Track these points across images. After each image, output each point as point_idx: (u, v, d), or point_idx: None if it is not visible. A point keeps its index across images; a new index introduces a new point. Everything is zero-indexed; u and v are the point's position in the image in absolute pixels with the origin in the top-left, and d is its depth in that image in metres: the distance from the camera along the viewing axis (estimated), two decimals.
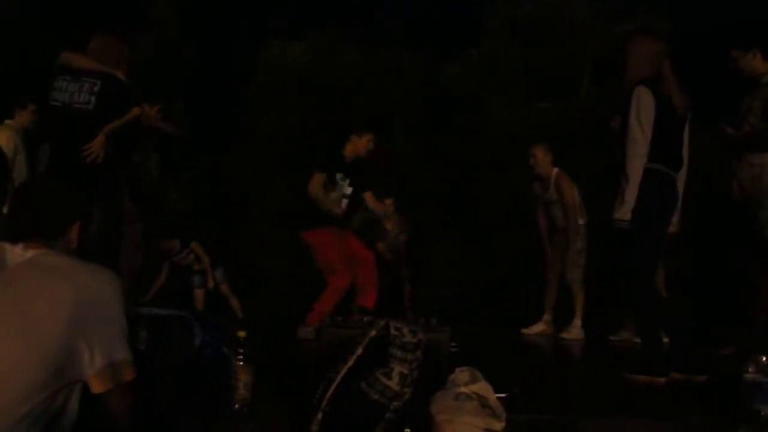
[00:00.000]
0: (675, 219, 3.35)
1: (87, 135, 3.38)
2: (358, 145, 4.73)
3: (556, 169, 5.32)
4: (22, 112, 4.90)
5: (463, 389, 2.05)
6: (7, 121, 4.96)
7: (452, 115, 14.46)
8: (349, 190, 4.75)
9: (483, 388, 2.08)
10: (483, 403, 2.03)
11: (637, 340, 4.48)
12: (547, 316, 5.50)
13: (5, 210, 2.43)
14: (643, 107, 3.08)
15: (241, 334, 2.33)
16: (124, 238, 3.83)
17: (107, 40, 3.59)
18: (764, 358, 2.28)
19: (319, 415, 2.05)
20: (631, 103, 3.11)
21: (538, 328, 5.48)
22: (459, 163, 14.01)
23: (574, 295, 5.32)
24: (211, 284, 6.90)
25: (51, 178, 3.10)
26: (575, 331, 5.25)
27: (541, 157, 5.33)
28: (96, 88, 3.40)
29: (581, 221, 5.32)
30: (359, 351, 2.13)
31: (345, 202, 4.74)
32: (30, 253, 1.62)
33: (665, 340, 3.26)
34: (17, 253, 1.62)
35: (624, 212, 3.09)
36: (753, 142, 3.97)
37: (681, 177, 3.30)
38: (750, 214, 4.00)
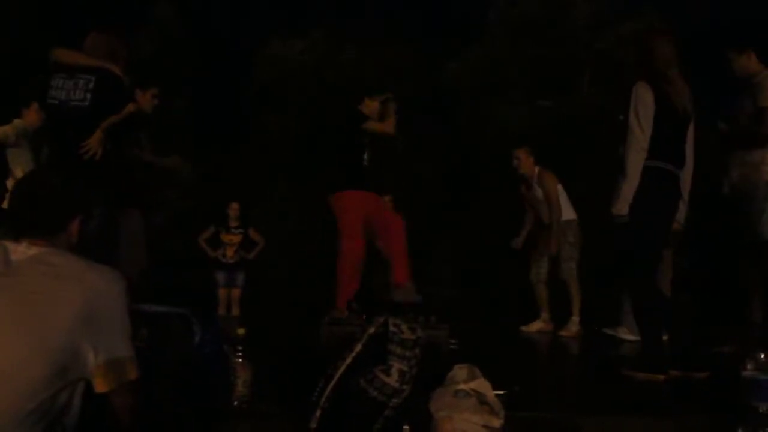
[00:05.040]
0: (680, 216, 3.34)
1: (84, 131, 3.38)
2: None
3: (537, 168, 5.48)
4: (28, 111, 4.85)
5: (462, 386, 2.06)
6: (16, 120, 4.91)
7: (452, 113, 14.47)
8: None
9: (482, 385, 2.08)
10: (481, 400, 2.03)
11: (630, 337, 4.54)
12: (545, 314, 5.51)
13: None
14: (641, 103, 3.09)
15: (241, 331, 2.33)
16: (125, 235, 3.82)
17: (101, 36, 3.59)
18: (763, 356, 2.28)
19: (318, 413, 2.05)
20: (631, 99, 3.12)
21: (537, 325, 5.50)
22: (458, 160, 14.01)
23: (570, 291, 5.33)
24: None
25: (50, 173, 3.09)
26: (574, 328, 5.25)
27: (524, 159, 5.50)
28: (91, 85, 3.39)
29: (572, 216, 5.39)
30: (358, 348, 2.13)
31: None
32: (33, 251, 1.61)
33: (665, 337, 3.26)
34: (20, 251, 1.61)
35: (620, 207, 3.09)
36: (744, 140, 4.01)
37: (686, 175, 3.29)
38: (741, 211, 4.03)
